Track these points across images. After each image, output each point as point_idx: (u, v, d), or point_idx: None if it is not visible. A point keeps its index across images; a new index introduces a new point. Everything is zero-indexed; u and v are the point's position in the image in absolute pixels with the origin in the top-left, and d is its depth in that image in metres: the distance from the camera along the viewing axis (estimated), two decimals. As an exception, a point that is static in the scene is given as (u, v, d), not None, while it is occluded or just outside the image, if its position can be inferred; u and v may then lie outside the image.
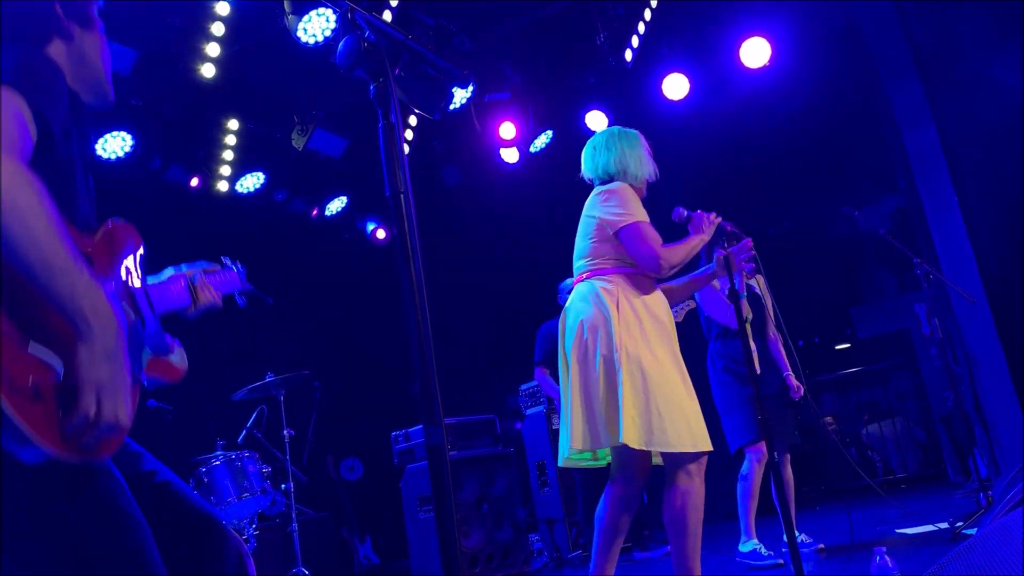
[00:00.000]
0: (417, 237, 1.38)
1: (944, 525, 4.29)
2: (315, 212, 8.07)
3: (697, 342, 4.73)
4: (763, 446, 4.36)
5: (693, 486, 2.88)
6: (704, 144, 7.78)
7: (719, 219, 3.30)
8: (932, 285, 4.90)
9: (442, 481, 1.32)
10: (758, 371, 4.39)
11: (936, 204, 6.61)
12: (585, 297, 3.01)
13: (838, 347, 9.41)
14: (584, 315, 2.96)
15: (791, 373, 4.60)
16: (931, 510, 5.24)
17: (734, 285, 4.44)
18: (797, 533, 4.33)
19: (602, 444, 2.82)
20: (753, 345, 4.49)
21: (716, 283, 4.56)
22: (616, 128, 3.35)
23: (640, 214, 3.05)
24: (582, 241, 3.14)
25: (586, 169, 3.32)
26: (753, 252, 3.37)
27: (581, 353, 2.93)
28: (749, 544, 4.34)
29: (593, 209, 3.12)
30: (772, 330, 4.64)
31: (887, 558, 2.41)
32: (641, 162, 3.21)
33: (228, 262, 2.33)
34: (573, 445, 2.85)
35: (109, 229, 1.60)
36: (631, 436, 2.73)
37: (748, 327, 4.51)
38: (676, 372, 2.93)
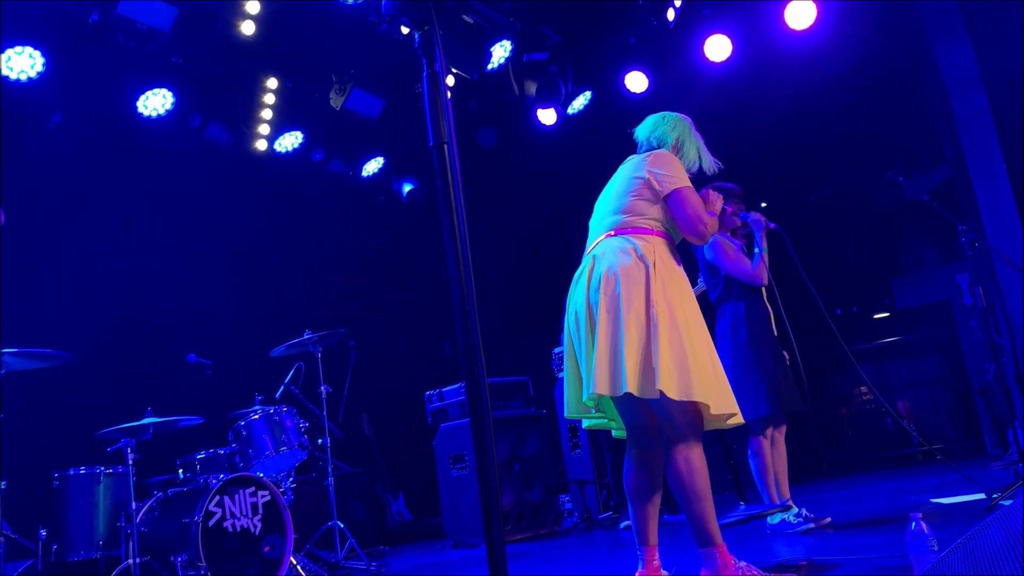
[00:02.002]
0: (460, 188, 1.38)
1: (981, 496, 4.25)
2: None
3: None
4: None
5: (694, 450, 2.87)
6: (745, 107, 7.64)
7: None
8: (977, 254, 4.80)
9: (484, 434, 1.33)
10: (775, 333, 4.38)
11: (984, 172, 6.46)
12: (622, 250, 2.99)
13: (876, 316, 9.28)
14: (620, 267, 2.93)
15: None
16: (968, 481, 5.19)
17: (755, 242, 4.40)
18: (798, 508, 4.32)
19: (621, 391, 2.79)
20: (770, 308, 4.45)
21: (730, 244, 4.50)
22: (687, 118, 3.45)
23: (688, 180, 3.14)
24: (621, 198, 3.15)
25: (642, 132, 3.40)
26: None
27: (612, 303, 2.90)
28: (778, 516, 4.33)
29: (640, 170, 3.15)
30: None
31: (923, 524, 2.40)
32: (694, 152, 3.36)
33: None
34: (597, 390, 2.82)
35: None
36: (669, 385, 2.74)
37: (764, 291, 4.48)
38: (705, 337, 2.97)
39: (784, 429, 4.45)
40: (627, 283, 2.89)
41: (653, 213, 3.09)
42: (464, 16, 6.03)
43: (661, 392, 2.73)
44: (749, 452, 4.37)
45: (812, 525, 4.21)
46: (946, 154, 7.20)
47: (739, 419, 2.96)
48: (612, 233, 3.10)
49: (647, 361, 2.80)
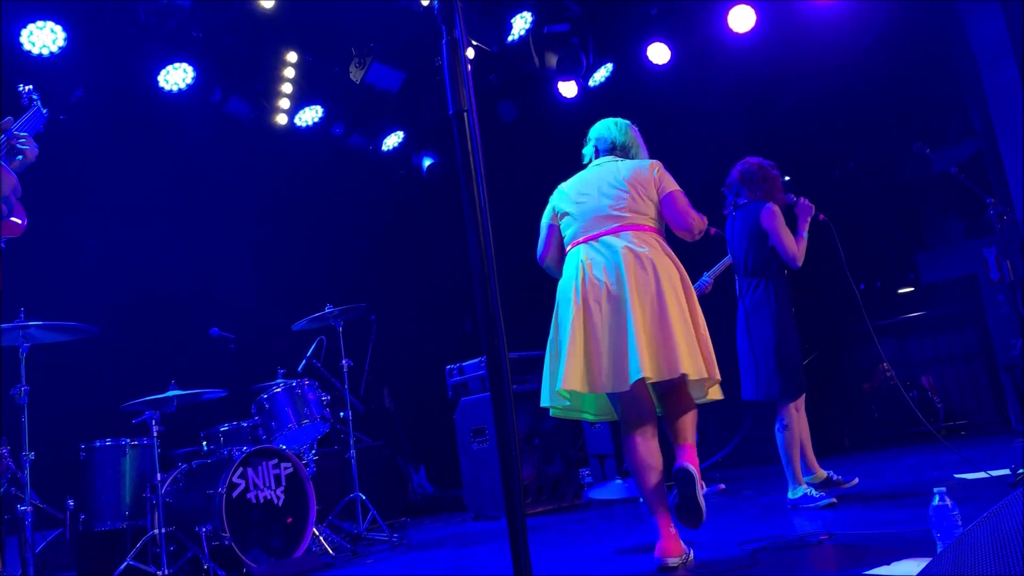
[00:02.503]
0: (481, 157, 1.36)
1: (1005, 472, 4.21)
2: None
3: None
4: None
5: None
6: (769, 79, 7.54)
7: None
8: (1004, 227, 4.71)
9: (504, 407, 1.32)
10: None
11: (1013, 144, 6.34)
12: (652, 246, 3.30)
13: (901, 291, 9.17)
14: (658, 262, 3.25)
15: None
16: (992, 458, 5.15)
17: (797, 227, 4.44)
18: (825, 472, 4.45)
19: (678, 373, 3.12)
20: None
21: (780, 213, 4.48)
22: None
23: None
24: (628, 197, 3.39)
25: (618, 135, 3.66)
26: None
27: (655, 292, 3.18)
28: (799, 490, 4.31)
29: (645, 172, 3.44)
30: None
31: (947, 498, 2.38)
32: None
33: (25, 94, 2.34)
34: (645, 374, 3.06)
35: None
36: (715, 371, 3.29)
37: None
38: None
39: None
40: (668, 277, 3.23)
41: (652, 213, 3.40)
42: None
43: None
44: (777, 426, 4.37)
45: (834, 499, 4.20)
46: (975, 126, 7.07)
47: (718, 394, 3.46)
48: (626, 229, 3.34)
49: (705, 346, 3.25)
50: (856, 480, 4.37)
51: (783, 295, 4.42)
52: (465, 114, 1.35)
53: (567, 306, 3.33)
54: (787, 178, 4.83)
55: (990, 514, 1.52)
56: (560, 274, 3.53)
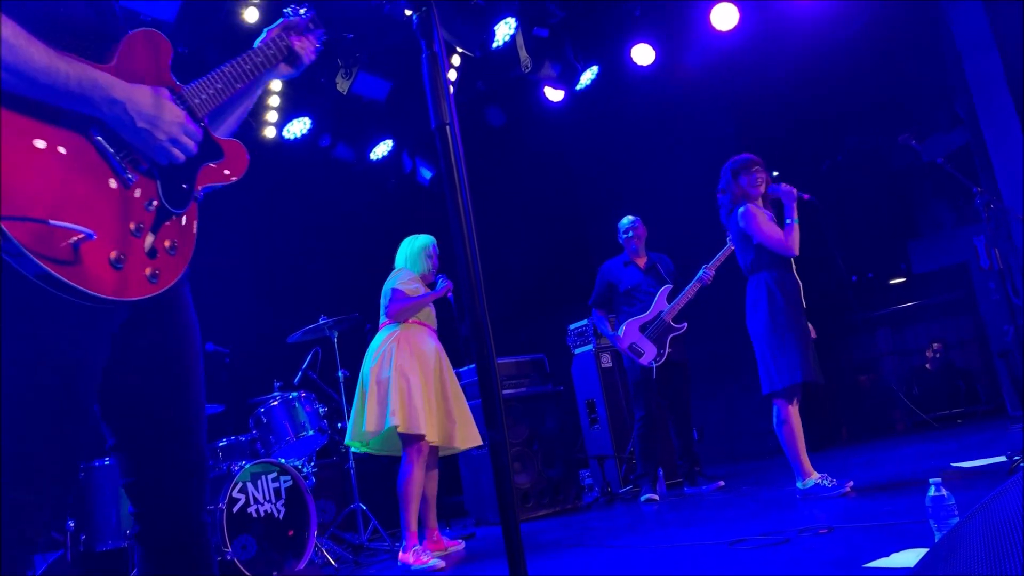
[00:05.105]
0: (464, 169, 1.37)
1: (1002, 459, 4.23)
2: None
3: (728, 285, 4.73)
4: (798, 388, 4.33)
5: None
6: (756, 75, 7.57)
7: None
8: (992, 216, 4.74)
9: (495, 410, 1.33)
10: (804, 306, 4.39)
11: (997, 133, 6.38)
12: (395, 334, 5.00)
13: (893, 282, 9.21)
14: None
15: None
16: (988, 445, 5.17)
17: (785, 212, 4.43)
18: (818, 474, 4.31)
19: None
20: (799, 280, 4.45)
21: (762, 213, 4.48)
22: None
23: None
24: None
25: (398, 252, 5.44)
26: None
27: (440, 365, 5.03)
28: (809, 481, 4.28)
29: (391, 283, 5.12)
30: None
31: (943, 488, 2.39)
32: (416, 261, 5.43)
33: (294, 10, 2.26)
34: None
35: (130, 38, 1.62)
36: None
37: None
38: None
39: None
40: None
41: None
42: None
43: None
44: (776, 421, 4.35)
45: (846, 489, 4.18)
46: (959, 116, 7.11)
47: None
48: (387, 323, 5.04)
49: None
50: (851, 483, 4.31)
51: (777, 291, 4.38)
52: (447, 127, 1.36)
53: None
54: (775, 173, 4.84)
55: (981, 506, 1.52)
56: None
